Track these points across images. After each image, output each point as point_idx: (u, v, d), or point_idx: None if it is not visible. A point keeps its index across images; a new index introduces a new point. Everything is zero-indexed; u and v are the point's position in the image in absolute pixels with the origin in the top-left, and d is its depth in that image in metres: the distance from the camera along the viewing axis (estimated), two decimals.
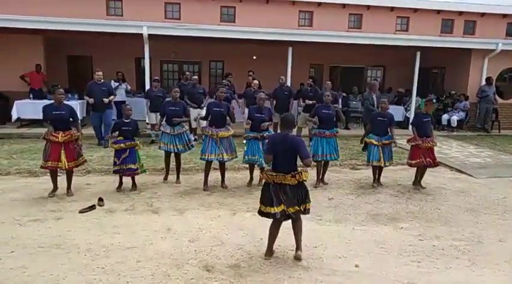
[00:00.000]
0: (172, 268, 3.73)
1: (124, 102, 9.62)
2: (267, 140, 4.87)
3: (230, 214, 5.19)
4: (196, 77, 10.19)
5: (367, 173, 7.24)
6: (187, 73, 10.59)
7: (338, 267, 3.87)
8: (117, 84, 10.45)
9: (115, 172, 6.02)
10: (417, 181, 6.63)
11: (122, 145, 5.85)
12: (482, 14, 16.57)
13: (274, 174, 3.85)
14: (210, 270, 3.71)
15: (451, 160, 8.47)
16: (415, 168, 6.61)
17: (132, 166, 5.88)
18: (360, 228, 4.87)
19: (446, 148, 9.81)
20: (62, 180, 5.90)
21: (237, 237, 4.47)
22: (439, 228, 4.95)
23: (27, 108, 10.42)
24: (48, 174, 6.54)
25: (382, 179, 6.74)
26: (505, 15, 16.73)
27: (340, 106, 11.70)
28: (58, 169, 5.68)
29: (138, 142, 6.05)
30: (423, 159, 6.35)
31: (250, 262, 3.91)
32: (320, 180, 6.67)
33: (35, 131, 9.95)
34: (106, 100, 8.84)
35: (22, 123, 10.71)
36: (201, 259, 3.94)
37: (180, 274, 3.64)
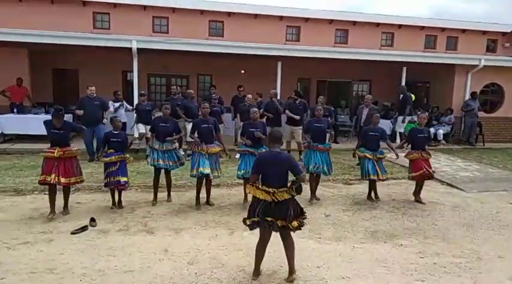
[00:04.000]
0: None
1: (125, 123, 9.49)
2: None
3: (228, 233, 5.08)
4: (191, 91, 10.07)
5: (361, 188, 7.25)
6: (174, 87, 10.38)
7: None
8: (118, 104, 9.93)
9: (105, 185, 5.87)
10: (417, 193, 6.68)
11: (112, 157, 5.71)
12: (464, 31, 17.09)
13: (266, 188, 3.70)
14: None
15: (441, 174, 8.55)
16: (412, 182, 6.67)
17: (121, 179, 5.70)
18: (360, 246, 4.82)
19: (435, 161, 9.86)
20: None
21: (237, 258, 4.37)
22: (438, 245, 4.94)
23: (11, 123, 10.13)
24: (36, 192, 6.38)
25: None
26: (484, 32, 17.30)
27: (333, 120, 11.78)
28: (57, 189, 5.48)
29: (128, 155, 5.90)
30: (424, 169, 6.39)
31: None
32: (313, 196, 6.64)
33: (19, 147, 9.66)
34: (105, 120, 8.83)
35: (5, 138, 10.37)
36: (202, 282, 3.82)
37: None
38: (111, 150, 5.79)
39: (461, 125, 13.07)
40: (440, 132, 12.62)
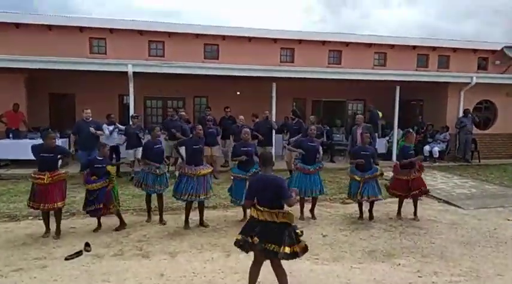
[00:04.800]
0: None
1: (118, 146, 9.49)
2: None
3: (224, 256, 5.02)
4: (183, 113, 10.15)
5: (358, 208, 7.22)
6: (171, 110, 10.45)
7: None
8: (112, 127, 9.84)
9: (86, 212, 5.84)
10: (399, 212, 6.79)
11: (95, 185, 5.67)
12: (455, 50, 17.40)
13: (261, 209, 3.67)
14: None
15: (437, 191, 8.56)
16: (409, 200, 6.71)
17: (98, 206, 5.65)
18: (358, 266, 4.78)
19: (430, 179, 9.92)
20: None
21: (233, 281, 4.31)
22: (436, 263, 4.90)
23: (6, 148, 10.11)
24: (30, 218, 6.35)
25: (373, 213, 6.70)
26: (475, 50, 17.61)
27: (325, 139, 11.85)
28: (49, 211, 5.51)
29: (107, 181, 5.76)
30: (402, 192, 6.55)
31: None
32: (311, 213, 6.65)
33: (13, 172, 9.62)
34: (92, 129, 8.76)
35: (1, 163, 10.33)
36: None
37: None
38: (94, 177, 5.74)
39: (456, 142, 13.14)
40: (436, 149, 12.69)
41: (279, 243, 3.57)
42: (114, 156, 9.52)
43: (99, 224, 5.93)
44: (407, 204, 6.80)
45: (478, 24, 50.91)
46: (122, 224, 5.94)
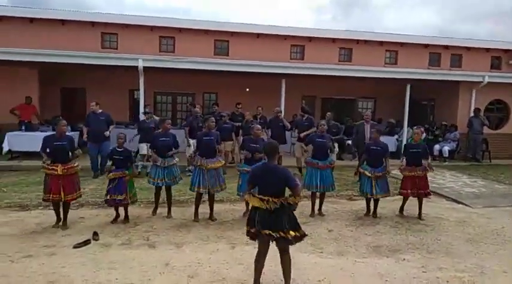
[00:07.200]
0: None
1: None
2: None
3: (229, 248, 5.07)
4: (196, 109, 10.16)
5: (365, 203, 7.20)
6: (198, 108, 10.36)
7: None
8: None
9: (105, 202, 5.96)
10: (401, 210, 6.77)
11: (111, 175, 5.82)
12: (468, 48, 17.18)
13: (262, 197, 3.70)
14: None
15: (446, 190, 8.50)
16: (415, 198, 6.65)
17: (119, 197, 5.77)
18: (362, 260, 4.78)
19: (440, 178, 9.86)
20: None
21: (237, 272, 4.35)
22: (441, 259, 4.88)
23: (19, 140, 10.27)
24: (41, 208, 6.47)
25: (380, 210, 6.71)
26: (488, 49, 17.38)
27: (345, 137, 11.82)
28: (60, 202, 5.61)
29: (127, 172, 5.89)
30: (411, 190, 6.49)
31: None
32: (318, 210, 6.63)
33: (26, 164, 9.80)
34: (107, 133, 8.83)
35: (13, 155, 10.52)
36: None
37: None
38: (112, 167, 5.92)
39: (466, 142, 13.01)
40: (446, 148, 12.57)
41: (283, 229, 3.66)
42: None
43: (118, 215, 5.99)
44: (414, 201, 6.76)
45: (492, 25, 50.19)
46: (126, 218, 6.00)
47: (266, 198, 3.68)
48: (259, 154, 6.06)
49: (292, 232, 3.69)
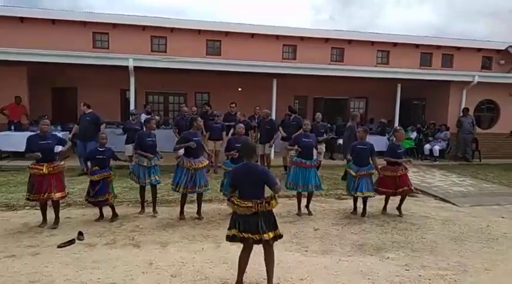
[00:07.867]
0: None
1: None
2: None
3: (214, 247, 5.07)
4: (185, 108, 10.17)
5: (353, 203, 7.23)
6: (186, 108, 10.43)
7: None
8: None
9: (87, 202, 5.95)
10: (385, 208, 6.80)
11: (95, 176, 5.77)
12: (459, 48, 17.30)
13: (241, 202, 3.72)
14: None
15: (434, 189, 8.55)
16: (398, 197, 6.68)
17: (102, 199, 5.79)
18: (347, 259, 4.80)
19: (429, 177, 9.92)
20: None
21: (221, 271, 4.35)
22: (424, 258, 4.91)
23: (7, 140, 10.23)
24: (27, 208, 6.45)
25: (367, 208, 6.71)
26: (479, 49, 17.51)
27: (335, 136, 11.83)
28: (47, 201, 5.57)
29: (111, 173, 5.90)
30: (390, 189, 6.52)
31: None
32: (306, 207, 6.64)
33: (14, 164, 9.75)
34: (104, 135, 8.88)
35: (2, 155, 10.46)
36: None
37: None
38: (96, 168, 5.84)
39: (456, 141, 13.09)
40: (436, 148, 12.65)
41: (259, 231, 3.69)
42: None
43: (102, 214, 6.00)
44: (393, 201, 6.79)
45: (485, 25, 50.42)
46: (114, 216, 6.00)
47: (244, 204, 3.69)
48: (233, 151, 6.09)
49: (270, 234, 3.73)
